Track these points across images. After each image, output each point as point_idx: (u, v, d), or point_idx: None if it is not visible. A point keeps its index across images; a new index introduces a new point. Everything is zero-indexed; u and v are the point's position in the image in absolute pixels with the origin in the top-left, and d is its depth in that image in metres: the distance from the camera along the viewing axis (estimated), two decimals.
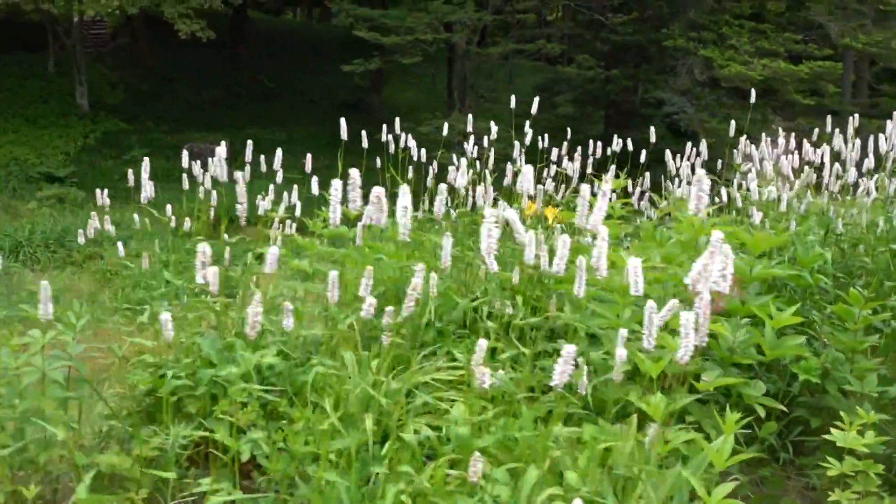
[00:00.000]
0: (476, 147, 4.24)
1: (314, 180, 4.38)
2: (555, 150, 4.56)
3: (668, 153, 3.90)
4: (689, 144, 4.31)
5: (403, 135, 4.27)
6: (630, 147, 4.36)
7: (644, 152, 4.14)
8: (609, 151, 4.50)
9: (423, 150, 4.29)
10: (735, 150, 4.10)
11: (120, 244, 4.30)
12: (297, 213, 5.88)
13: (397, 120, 5.22)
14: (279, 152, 4.41)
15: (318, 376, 2.42)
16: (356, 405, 2.19)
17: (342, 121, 4.40)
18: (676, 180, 4.15)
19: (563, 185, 4.26)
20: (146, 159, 3.41)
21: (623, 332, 1.97)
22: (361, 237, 3.05)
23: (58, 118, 22.49)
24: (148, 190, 3.61)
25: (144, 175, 3.44)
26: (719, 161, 4.53)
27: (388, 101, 26.10)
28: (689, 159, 3.88)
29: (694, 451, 2.14)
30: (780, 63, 18.68)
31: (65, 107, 22.89)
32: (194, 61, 27.54)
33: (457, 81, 21.87)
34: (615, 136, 4.63)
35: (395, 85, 26.51)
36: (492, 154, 4.39)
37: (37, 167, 19.97)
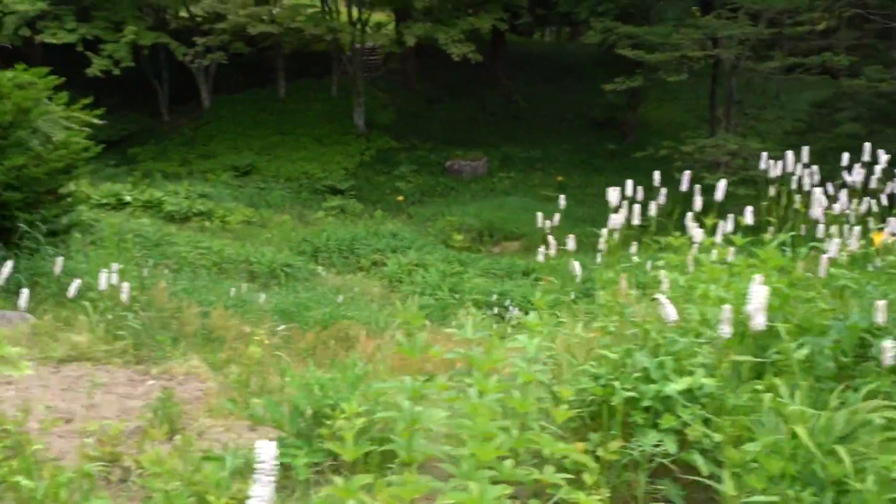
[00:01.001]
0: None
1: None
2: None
3: None
4: None
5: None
6: None
7: None
8: None
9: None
10: None
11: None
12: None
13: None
14: None
15: (747, 402, 2.50)
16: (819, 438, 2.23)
17: None
18: None
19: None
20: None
21: None
22: (826, 270, 3.00)
23: (339, 137, 25.19)
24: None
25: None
26: None
27: (642, 119, 25.69)
28: None
29: None
30: None
31: (345, 126, 25.58)
32: (453, 83, 29.30)
33: (721, 98, 20.89)
34: None
35: (650, 102, 25.99)
36: None
37: (322, 180, 22.55)
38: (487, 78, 29.20)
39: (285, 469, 2.60)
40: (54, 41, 21.73)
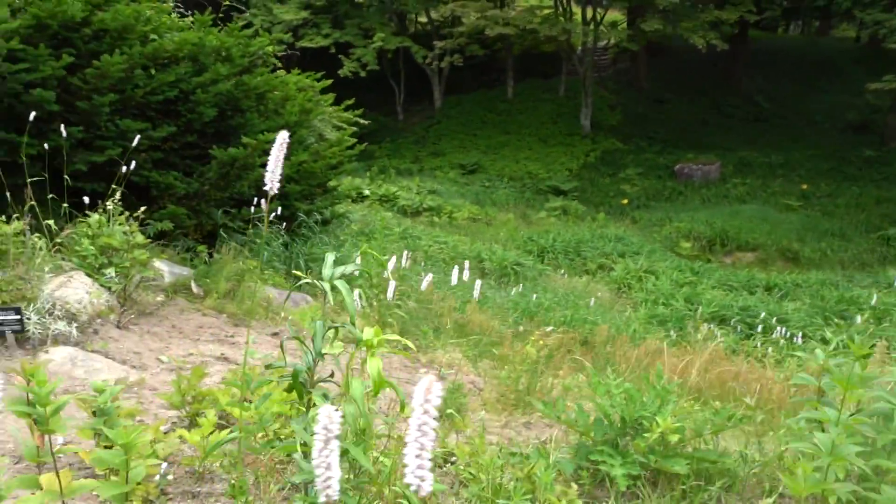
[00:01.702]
0: None
1: None
2: None
3: None
4: None
5: None
6: None
7: None
8: None
9: None
10: None
11: None
12: None
13: None
14: None
15: None
16: None
17: None
18: None
19: None
20: None
21: None
22: None
23: (564, 137, 25.15)
24: None
25: None
26: None
27: None
28: None
29: None
30: None
31: (570, 127, 25.49)
32: (685, 83, 28.00)
33: None
34: None
35: None
36: None
37: (545, 181, 22.66)
38: (724, 77, 27.55)
39: (594, 475, 2.59)
40: (312, 45, 24.01)
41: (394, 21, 26.49)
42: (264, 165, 6.26)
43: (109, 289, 4.38)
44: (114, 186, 4.65)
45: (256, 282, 5.84)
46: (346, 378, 1.73)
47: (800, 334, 8.08)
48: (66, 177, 4.72)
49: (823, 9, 25.41)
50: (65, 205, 4.55)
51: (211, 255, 6.57)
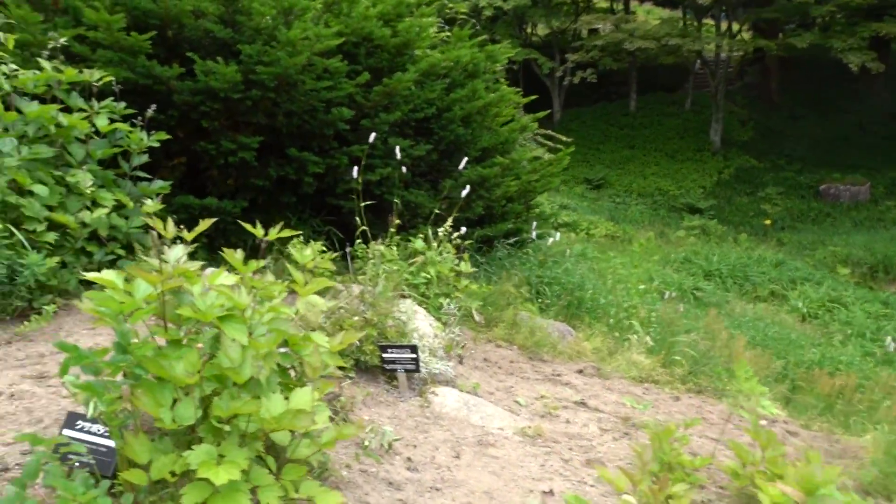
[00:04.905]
0: None
1: None
2: None
3: None
4: None
5: None
6: None
7: None
8: None
9: None
10: None
11: None
12: None
13: None
14: None
15: None
16: None
17: None
18: None
19: None
20: None
21: None
22: None
23: (692, 153, 24.23)
24: None
25: None
26: None
27: None
28: None
29: None
30: None
31: (698, 142, 24.54)
32: (819, 97, 26.59)
33: None
34: None
35: None
36: None
37: (678, 198, 21.82)
38: (863, 92, 25.99)
39: None
40: None
41: (515, 32, 26.24)
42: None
43: (439, 319, 4.13)
44: (437, 211, 4.41)
45: (529, 311, 5.54)
46: None
47: None
48: (396, 201, 4.50)
49: None
50: (391, 229, 4.33)
51: None
